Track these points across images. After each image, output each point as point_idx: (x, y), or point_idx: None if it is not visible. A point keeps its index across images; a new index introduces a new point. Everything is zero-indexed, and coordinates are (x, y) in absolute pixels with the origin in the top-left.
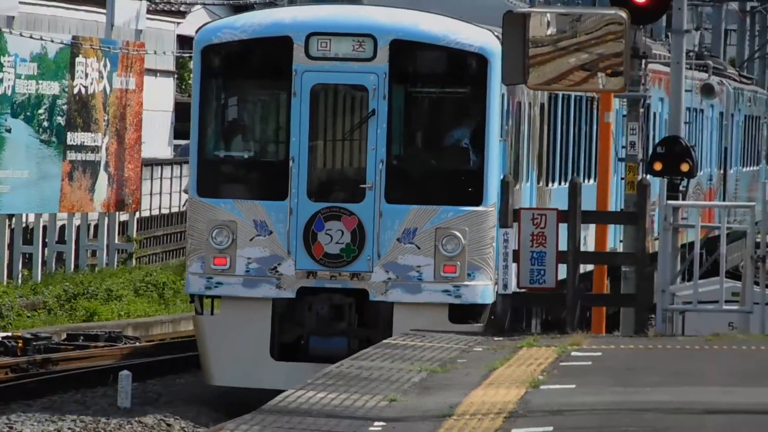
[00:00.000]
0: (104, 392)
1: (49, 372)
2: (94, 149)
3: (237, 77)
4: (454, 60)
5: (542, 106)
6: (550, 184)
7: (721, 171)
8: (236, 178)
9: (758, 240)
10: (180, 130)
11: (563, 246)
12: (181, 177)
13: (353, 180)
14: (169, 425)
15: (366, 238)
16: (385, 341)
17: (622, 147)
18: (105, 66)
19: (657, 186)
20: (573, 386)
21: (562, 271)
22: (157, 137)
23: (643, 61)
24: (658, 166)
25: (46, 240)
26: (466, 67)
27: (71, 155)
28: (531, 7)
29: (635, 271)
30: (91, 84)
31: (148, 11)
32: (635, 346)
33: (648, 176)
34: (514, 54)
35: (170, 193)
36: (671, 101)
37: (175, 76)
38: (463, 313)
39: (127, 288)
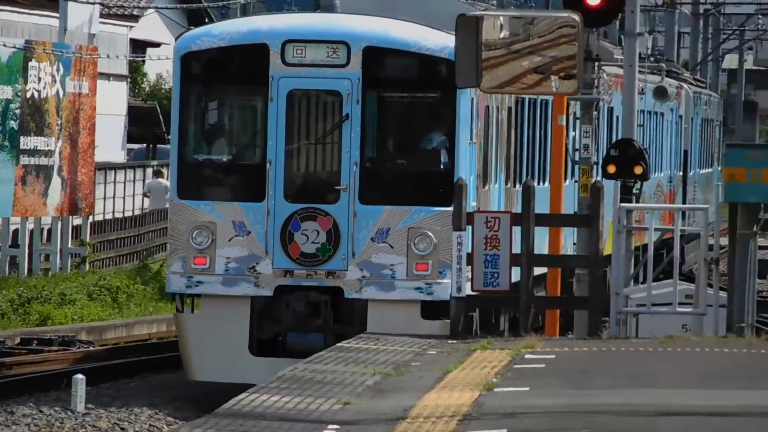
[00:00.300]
0: (58, 396)
1: (2, 376)
2: (48, 153)
3: (215, 83)
4: (425, 65)
5: (509, 109)
6: (517, 186)
7: (680, 173)
8: (215, 181)
9: (712, 242)
10: (133, 134)
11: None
12: (134, 181)
13: (328, 182)
14: (123, 429)
15: (341, 238)
16: (338, 344)
17: (575, 150)
18: (58, 70)
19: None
20: (527, 389)
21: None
22: (110, 141)
23: (596, 64)
24: (611, 169)
25: None
26: (437, 72)
27: (24, 159)
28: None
29: (589, 274)
30: (44, 88)
31: (101, 15)
32: (589, 348)
33: (602, 179)
34: (467, 57)
35: (123, 197)
36: (624, 104)
37: (128, 80)
38: (434, 310)
39: (81, 292)
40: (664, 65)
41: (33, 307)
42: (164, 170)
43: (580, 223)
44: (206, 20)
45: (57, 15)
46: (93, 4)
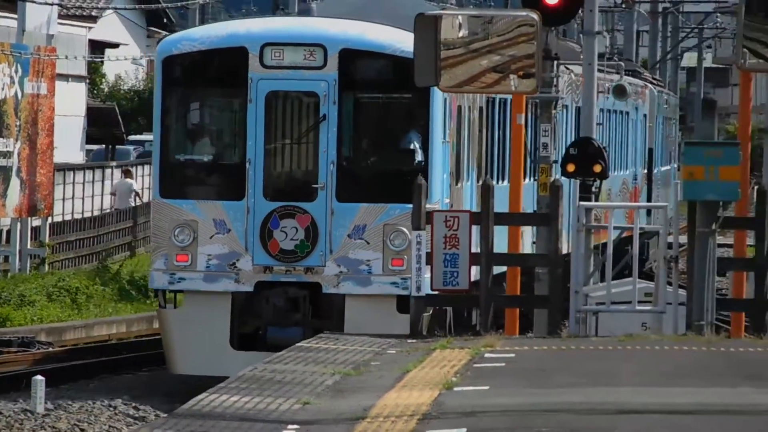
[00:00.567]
0: (17, 397)
1: None
2: (6, 154)
3: (196, 85)
4: (399, 67)
5: (481, 109)
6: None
7: (645, 171)
8: (196, 180)
9: (671, 240)
10: (92, 135)
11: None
12: (93, 182)
13: (306, 180)
14: (83, 430)
15: (319, 235)
16: (298, 344)
17: (536, 149)
18: (16, 71)
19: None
20: (486, 388)
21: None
22: (69, 142)
23: (555, 62)
24: (570, 168)
25: None
26: (411, 73)
27: None
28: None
29: (548, 273)
30: (3, 89)
31: (60, 16)
32: (548, 347)
33: (561, 177)
34: (426, 56)
35: (83, 198)
36: (583, 103)
37: (87, 81)
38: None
39: (40, 293)
40: (623, 64)
41: None
42: (131, 170)
43: (540, 221)
44: (164, 20)
45: (15, 16)
46: (51, 5)
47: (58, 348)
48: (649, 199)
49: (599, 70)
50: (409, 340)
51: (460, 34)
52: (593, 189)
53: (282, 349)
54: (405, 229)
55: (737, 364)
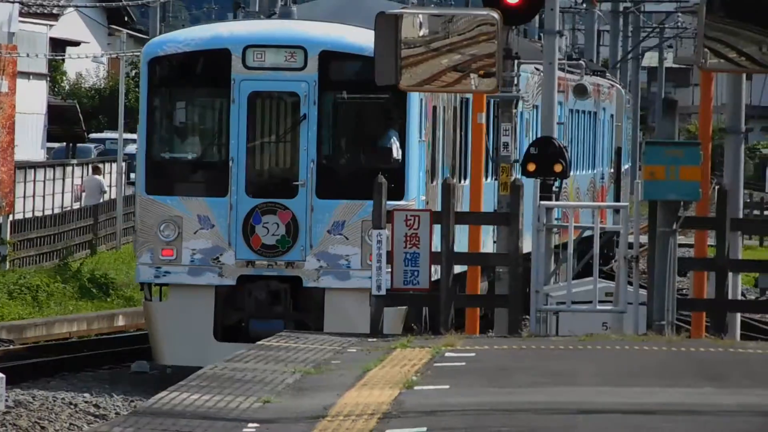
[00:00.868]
0: None
1: None
2: None
3: (181, 86)
4: None
5: (455, 109)
6: (462, 181)
7: (612, 170)
8: (181, 177)
9: (631, 240)
10: (53, 132)
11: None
12: (54, 180)
13: (287, 178)
14: (43, 428)
15: (299, 230)
16: (259, 342)
17: (495, 148)
18: None
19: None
20: (447, 387)
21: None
22: (29, 140)
23: (516, 61)
24: (531, 167)
25: None
26: None
27: None
28: None
29: (508, 272)
30: None
31: (21, 14)
32: (509, 346)
33: (521, 177)
34: (386, 55)
35: (44, 196)
36: (543, 102)
37: (48, 78)
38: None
39: (1, 291)
40: (584, 63)
41: None
42: (101, 167)
43: (500, 221)
44: (125, 18)
45: None
46: (12, 2)
47: (18, 345)
48: (618, 198)
49: (564, 70)
50: (370, 339)
51: (421, 33)
52: (554, 188)
53: None
54: None
55: (698, 364)
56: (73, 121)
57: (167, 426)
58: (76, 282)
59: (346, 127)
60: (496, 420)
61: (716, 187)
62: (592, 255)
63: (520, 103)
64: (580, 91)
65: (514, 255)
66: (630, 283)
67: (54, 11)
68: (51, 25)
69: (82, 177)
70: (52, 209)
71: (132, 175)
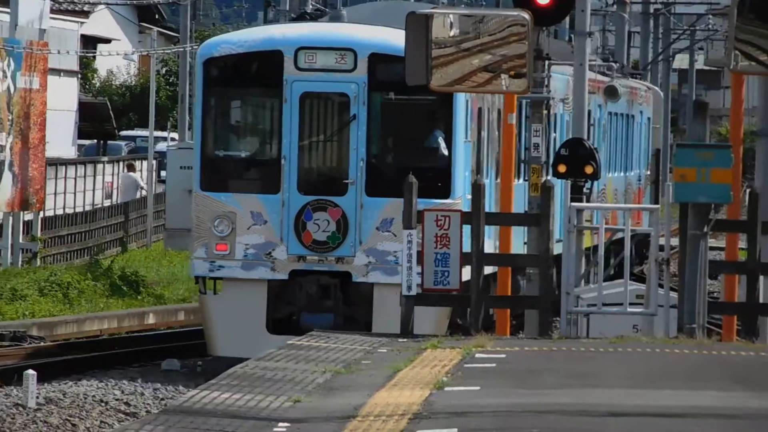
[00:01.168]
0: (9, 392)
1: None
2: None
3: (234, 86)
4: None
5: (499, 111)
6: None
7: (648, 172)
8: (235, 175)
9: (662, 242)
10: (83, 130)
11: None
12: (85, 177)
13: (337, 176)
14: (74, 425)
15: (349, 227)
16: (289, 342)
17: (526, 149)
18: (9, 65)
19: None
20: (477, 388)
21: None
22: (61, 137)
23: (547, 62)
24: (561, 169)
25: None
26: None
27: None
28: None
29: (539, 273)
30: None
31: (52, 11)
32: (539, 348)
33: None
34: (417, 55)
35: (74, 193)
36: (574, 103)
37: (79, 75)
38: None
39: (32, 288)
40: (614, 65)
41: None
42: (136, 164)
43: (531, 222)
44: (156, 16)
45: (7, 10)
46: None
47: (49, 343)
48: (657, 200)
49: (604, 73)
50: (400, 339)
51: (452, 33)
52: (585, 190)
53: None
54: None
55: (728, 367)
56: (104, 118)
57: (198, 424)
58: (106, 279)
59: (394, 127)
60: (526, 421)
61: (747, 190)
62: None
63: (561, 105)
64: (611, 92)
65: (545, 256)
66: (661, 286)
67: (85, 8)
68: (82, 23)
69: (113, 174)
70: (83, 206)
71: (162, 173)
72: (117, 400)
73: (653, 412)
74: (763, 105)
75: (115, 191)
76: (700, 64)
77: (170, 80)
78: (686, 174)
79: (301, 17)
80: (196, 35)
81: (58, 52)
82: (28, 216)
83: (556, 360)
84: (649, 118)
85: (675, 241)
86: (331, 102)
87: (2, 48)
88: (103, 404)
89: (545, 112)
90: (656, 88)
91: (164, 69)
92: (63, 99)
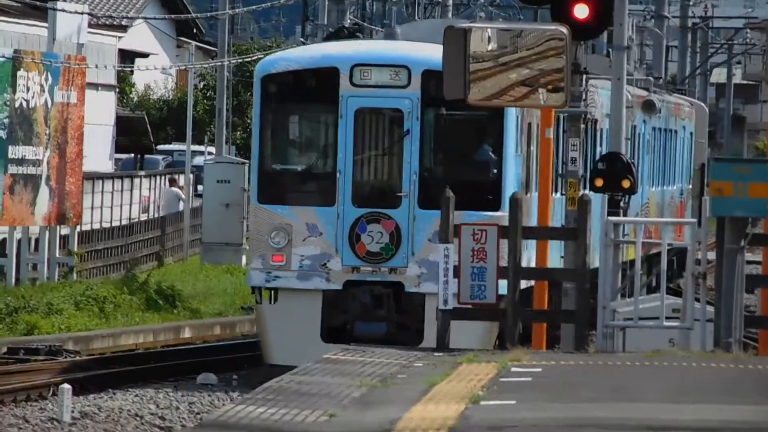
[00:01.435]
0: (44, 406)
1: None
2: (36, 163)
3: (291, 102)
4: None
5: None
6: (553, 194)
7: (690, 186)
8: (291, 188)
9: (699, 256)
10: (121, 144)
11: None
12: (122, 191)
13: (391, 189)
14: None
15: (402, 239)
16: (325, 356)
17: (563, 163)
18: (47, 80)
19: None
20: (513, 402)
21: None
22: (98, 151)
23: (584, 76)
24: (599, 183)
25: None
26: None
27: (12, 169)
28: None
29: (575, 287)
30: (33, 98)
31: (90, 25)
32: (575, 362)
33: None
34: (455, 69)
35: (111, 207)
36: (612, 117)
37: (116, 90)
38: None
39: (68, 302)
40: (652, 79)
41: (20, 316)
42: (178, 179)
43: (567, 236)
44: (194, 30)
45: (46, 25)
46: (82, 14)
47: (85, 357)
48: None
49: (645, 89)
50: (436, 353)
51: (489, 48)
52: (621, 204)
53: (368, 342)
54: None
55: (765, 381)
56: (141, 132)
57: None
58: (142, 293)
59: (446, 142)
60: None
61: None
62: (671, 270)
63: (607, 120)
64: (648, 106)
65: (581, 270)
66: (697, 300)
67: (123, 23)
68: (120, 37)
69: (149, 188)
70: (120, 220)
71: (200, 187)
72: (152, 414)
73: (689, 426)
74: None
75: (152, 205)
76: (737, 78)
77: (208, 94)
78: (723, 188)
79: (339, 32)
80: (233, 49)
81: (96, 67)
82: (64, 230)
83: (592, 374)
84: (691, 133)
85: (712, 255)
86: (385, 117)
87: (41, 62)
88: (138, 418)
89: (583, 126)
90: (700, 103)
91: (202, 83)
92: (100, 113)
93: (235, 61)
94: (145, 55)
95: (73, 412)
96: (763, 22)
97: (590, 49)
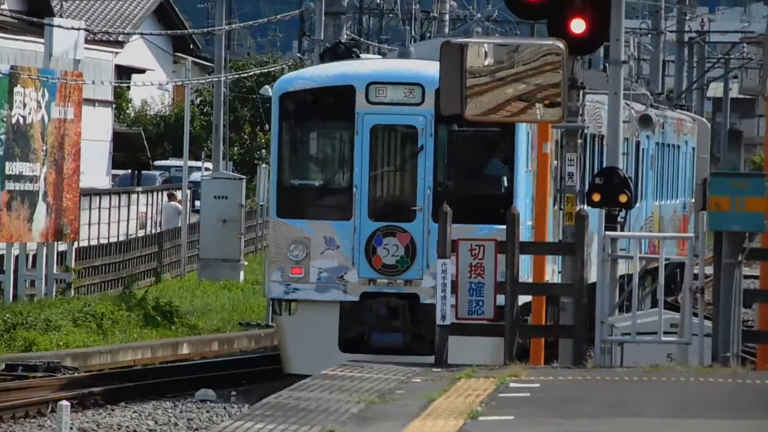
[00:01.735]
0: (43, 423)
1: None
2: (33, 179)
3: (309, 119)
4: None
5: (556, 142)
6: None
7: (693, 200)
8: (309, 202)
9: (697, 271)
10: (118, 160)
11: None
12: (119, 207)
13: (406, 203)
14: None
15: (417, 251)
16: (323, 372)
17: (561, 178)
18: (43, 96)
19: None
20: (511, 417)
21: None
22: (95, 167)
23: (581, 91)
24: (596, 197)
25: None
26: None
27: (10, 185)
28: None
29: (573, 302)
30: (30, 114)
31: (86, 41)
32: (573, 377)
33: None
34: (451, 84)
35: (108, 223)
36: (608, 132)
37: (113, 106)
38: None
39: (66, 318)
40: (648, 94)
41: (18, 333)
42: (176, 193)
43: (565, 251)
44: (191, 46)
45: (42, 41)
46: (78, 30)
47: (83, 373)
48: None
49: (649, 105)
50: (435, 369)
51: (486, 63)
52: (619, 219)
53: (384, 352)
54: None
55: (763, 396)
56: (138, 148)
57: None
58: (140, 310)
59: (459, 158)
60: None
61: None
62: (674, 283)
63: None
64: (645, 121)
65: (579, 285)
66: (695, 315)
67: (119, 39)
68: (116, 53)
69: (147, 204)
70: (117, 236)
71: (197, 203)
72: (151, 430)
73: None
74: None
75: (149, 221)
76: (734, 93)
77: (204, 110)
78: (720, 202)
79: (336, 47)
80: (230, 65)
81: (93, 83)
82: (62, 246)
83: (590, 389)
84: (694, 148)
85: (709, 270)
86: (399, 133)
87: (37, 78)
88: None
89: (581, 141)
90: (702, 119)
91: (198, 99)
92: (97, 129)
93: (231, 76)
94: (141, 71)
95: (71, 428)
96: (760, 36)
97: (587, 64)
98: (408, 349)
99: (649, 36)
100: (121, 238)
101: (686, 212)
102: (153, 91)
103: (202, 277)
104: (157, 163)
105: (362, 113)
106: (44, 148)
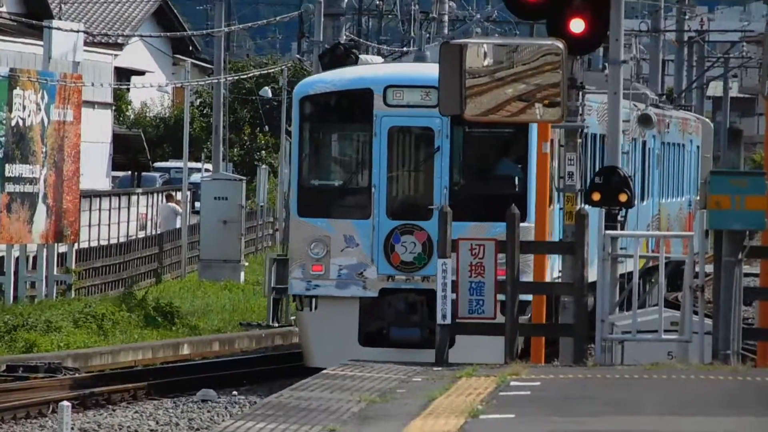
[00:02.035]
0: (44, 423)
1: None
2: (33, 181)
3: (328, 121)
4: None
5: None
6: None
7: (698, 197)
8: (329, 202)
9: (697, 269)
10: (118, 161)
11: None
12: (119, 208)
13: (423, 202)
14: None
15: (434, 249)
16: (324, 371)
17: (560, 177)
18: (43, 98)
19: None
20: (512, 416)
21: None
22: (95, 169)
23: (581, 91)
24: (596, 197)
25: None
26: None
27: (9, 187)
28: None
29: (574, 301)
30: (29, 116)
31: (86, 43)
32: (574, 375)
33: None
34: (451, 85)
35: (109, 225)
36: (608, 131)
37: (113, 107)
38: None
39: (67, 319)
40: (648, 93)
41: (19, 334)
42: (174, 195)
43: (565, 250)
44: (190, 48)
45: (41, 43)
46: (77, 32)
47: (84, 374)
48: None
49: (657, 106)
50: (435, 368)
51: (486, 63)
52: (619, 218)
53: (402, 346)
54: None
55: (764, 393)
56: (138, 150)
57: None
58: (141, 310)
59: (474, 158)
60: None
61: None
62: (679, 280)
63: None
64: (645, 120)
65: (579, 284)
66: (695, 313)
67: (119, 41)
68: (116, 55)
69: (147, 206)
70: (117, 238)
71: (197, 204)
72: (152, 430)
73: None
74: None
75: (149, 222)
76: (734, 92)
77: (204, 111)
78: (721, 201)
79: (335, 48)
80: (229, 66)
81: (92, 85)
82: (62, 248)
83: (591, 387)
84: (698, 147)
85: (710, 268)
86: (416, 135)
87: (37, 81)
88: None
89: (581, 141)
90: (705, 118)
91: (198, 100)
92: (97, 131)
93: (231, 78)
94: (141, 73)
95: (72, 429)
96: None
97: (586, 63)
98: (426, 343)
99: (649, 38)
100: (122, 240)
101: (691, 210)
102: (152, 92)
103: (203, 277)
104: (157, 164)
105: (380, 115)
106: (44, 150)
